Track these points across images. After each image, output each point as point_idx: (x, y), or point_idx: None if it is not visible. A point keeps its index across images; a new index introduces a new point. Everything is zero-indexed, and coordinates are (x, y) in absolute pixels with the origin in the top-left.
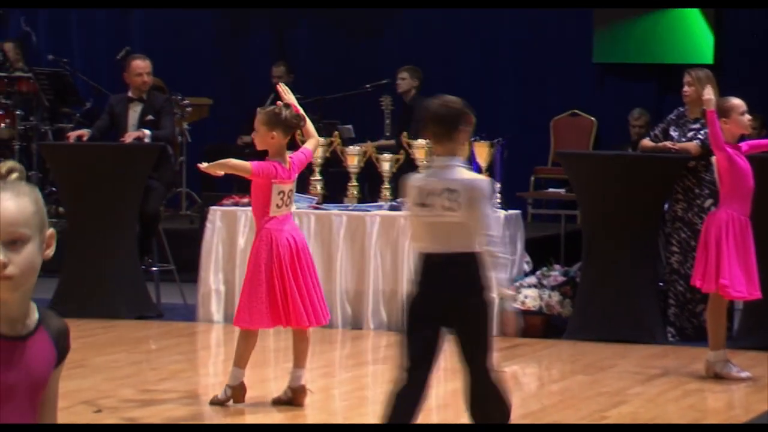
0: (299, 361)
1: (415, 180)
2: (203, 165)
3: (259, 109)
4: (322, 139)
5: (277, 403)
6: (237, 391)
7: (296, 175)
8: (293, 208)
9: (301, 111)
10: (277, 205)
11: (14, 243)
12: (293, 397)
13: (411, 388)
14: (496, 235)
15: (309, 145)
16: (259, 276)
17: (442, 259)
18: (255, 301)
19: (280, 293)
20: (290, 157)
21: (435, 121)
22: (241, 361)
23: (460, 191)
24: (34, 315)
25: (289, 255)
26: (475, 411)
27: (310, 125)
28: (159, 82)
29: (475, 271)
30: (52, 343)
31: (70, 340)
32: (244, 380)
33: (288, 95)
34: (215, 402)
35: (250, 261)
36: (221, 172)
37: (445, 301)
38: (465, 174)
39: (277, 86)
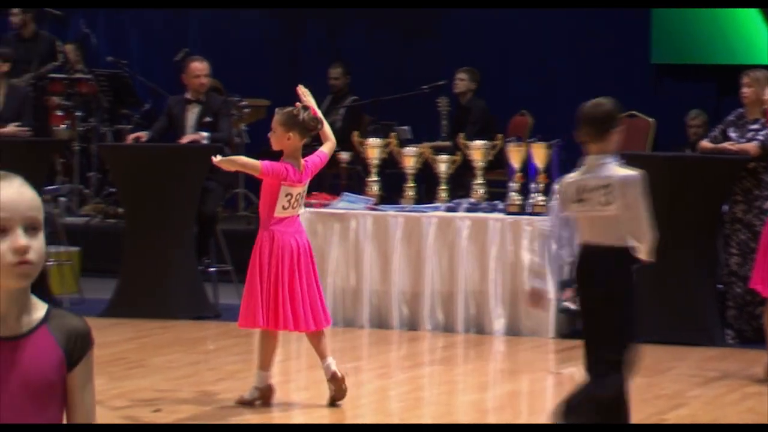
0: (322, 354)
1: (570, 178)
2: (216, 158)
3: (277, 110)
4: (379, 140)
5: (242, 403)
6: (263, 393)
7: (308, 178)
8: (301, 210)
9: (320, 114)
10: (283, 207)
11: (34, 229)
12: (335, 389)
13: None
14: (650, 226)
15: (325, 148)
16: (256, 276)
17: (599, 250)
18: (251, 301)
19: (273, 295)
20: (305, 161)
21: (589, 123)
22: (263, 363)
23: (614, 186)
24: (36, 314)
25: (289, 258)
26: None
27: (327, 129)
28: (217, 84)
29: (623, 263)
30: (57, 344)
31: (89, 340)
32: (271, 382)
33: (307, 97)
34: (242, 402)
35: (251, 260)
36: (232, 168)
37: (593, 289)
38: (619, 170)
39: (297, 88)
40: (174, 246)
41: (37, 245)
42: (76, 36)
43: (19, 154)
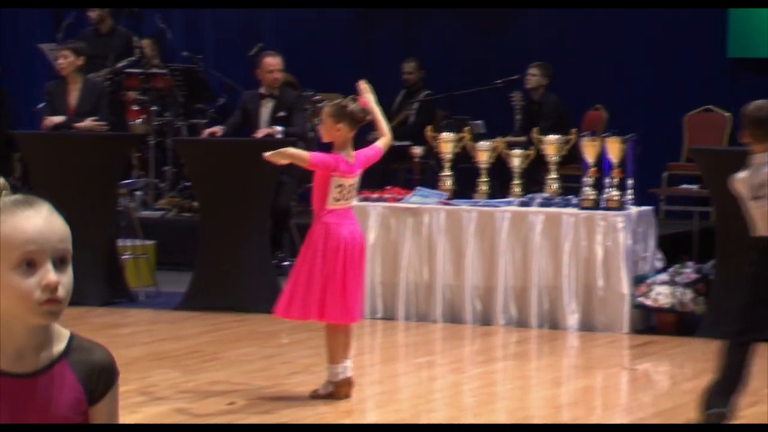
0: (345, 354)
1: (741, 177)
2: (267, 153)
3: (326, 101)
4: (452, 135)
5: (315, 397)
6: (338, 387)
7: (359, 170)
8: (353, 202)
9: (374, 107)
10: (335, 198)
11: (63, 262)
12: (335, 391)
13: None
14: None
15: (380, 143)
16: (305, 267)
17: None
18: (294, 291)
19: (325, 286)
20: (356, 153)
21: (753, 124)
22: (333, 357)
23: None
24: (57, 346)
25: (343, 249)
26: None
27: (383, 123)
28: (291, 79)
29: None
30: (77, 380)
31: (113, 374)
32: (348, 375)
33: (367, 94)
34: (315, 396)
35: (301, 251)
36: (283, 161)
37: None
38: None
39: (358, 83)
40: (248, 240)
41: (66, 280)
42: (152, 31)
43: (96, 149)
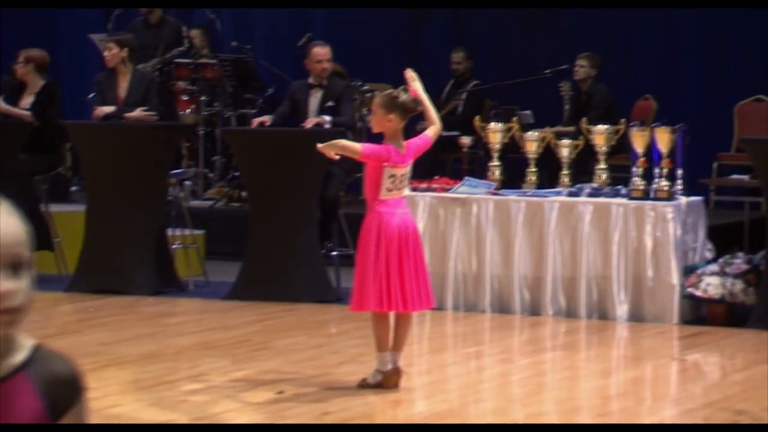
0: (397, 345)
1: None
2: (320, 145)
3: (377, 92)
4: (500, 125)
5: (364, 386)
6: (387, 377)
7: (411, 160)
8: (406, 192)
9: (423, 96)
10: (388, 189)
11: (18, 267)
12: (383, 380)
13: None
14: None
15: (430, 131)
16: (366, 258)
17: None
18: (362, 284)
19: (384, 276)
20: (407, 142)
21: None
22: (380, 345)
23: None
24: (17, 356)
25: (396, 239)
26: None
27: (432, 112)
28: (339, 69)
29: None
30: (38, 393)
31: (77, 389)
32: (398, 365)
33: (415, 82)
34: (363, 385)
35: (359, 243)
36: (333, 153)
37: None
38: None
39: (405, 72)
40: (297, 230)
41: (22, 286)
42: (201, 22)
43: (146, 139)
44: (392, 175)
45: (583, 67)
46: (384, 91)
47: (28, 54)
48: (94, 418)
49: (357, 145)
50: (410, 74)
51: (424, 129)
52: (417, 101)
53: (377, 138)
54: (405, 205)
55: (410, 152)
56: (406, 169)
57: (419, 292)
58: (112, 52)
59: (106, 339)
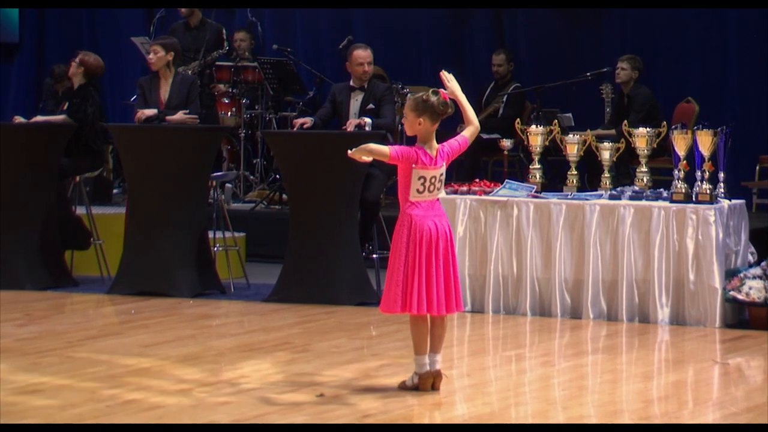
0: (434, 347)
1: None
2: (350, 151)
3: (409, 95)
4: (541, 128)
5: (403, 388)
6: (423, 379)
7: (444, 162)
8: (440, 194)
9: (461, 97)
10: (418, 191)
11: None
12: (420, 383)
13: None
14: None
15: (466, 133)
16: (397, 261)
17: None
18: (391, 286)
19: (410, 279)
20: (442, 145)
21: None
22: (417, 348)
23: None
24: None
25: (427, 241)
26: None
27: (470, 112)
28: (380, 71)
29: None
30: None
31: None
32: (436, 367)
33: (451, 83)
34: (402, 387)
35: (391, 245)
36: (366, 158)
37: None
38: None
39: (440, 73)
40: (338, 232)
41: None
42: (242, 24)
43: (187, 142)
44: (422, 177)
45: (624, 70)
46: (415, 94)
47: (84, 58)
48: (135, 420)
49: (385, 148)
50: (445, 75)
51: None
52: (447, 104)
53: (413, 140)
54: (439, 207)
55: (443, 154)
56: (437, 172)
57: (447, 296)
58: (158, 56)
59: (148, 341)
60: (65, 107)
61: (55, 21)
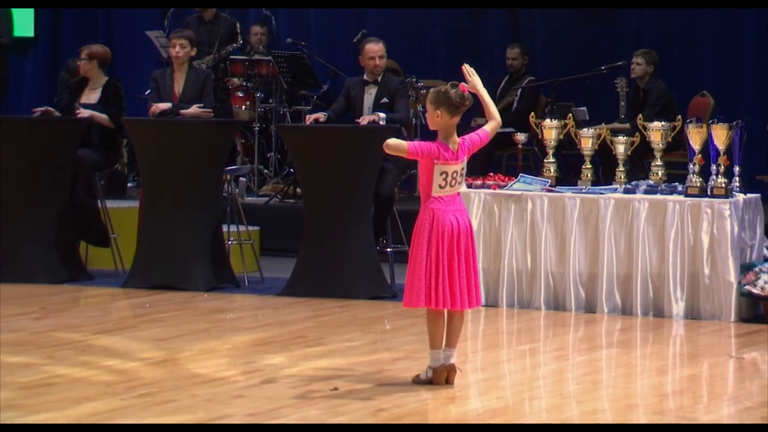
0: (450, 341)
1: None
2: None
3: (426, 89)
4: (556, 122)
5: (417, 382)
6: (437, 373)
7: (465, 156)
8: (461, 189)
9: (482, 91)
10: (440, 186)
11: None
12: (434, 377)
13: None
14: None
15: (488, 127)
16: (419, 255)
17: None
18: (413, 280)
19: (434, 274)
20: (462, 138)
21: None
22: (433, 342)
23: None
24: None
25: (448, 236)
26: None
27: (491, 107)
28: (394, 65)
29: None
30: None
31: None
32: (451, 361)
33: (473, 77)
34: (416, 381)
35: (412, 240)
36: (393, 153)
37: None
38: None
39: (462, 67)
40: (352, 226)
41: None
42: (257, 18)
43: (201, 135)
44: (443, 172)
45: (639, 65)
46: (435, 87)
47: (91, 51)
48: (150, 414)
49: (404, 143)
50: (467, 69)
51: (480, 125)
52: (465, 97)
53: (432, 134)
54: (460, 202)
55: (464, 148)
56: (458, 166)
57: (468, 291)
58: (185, 50)
59: (162, 335)
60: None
61: (70, 15)
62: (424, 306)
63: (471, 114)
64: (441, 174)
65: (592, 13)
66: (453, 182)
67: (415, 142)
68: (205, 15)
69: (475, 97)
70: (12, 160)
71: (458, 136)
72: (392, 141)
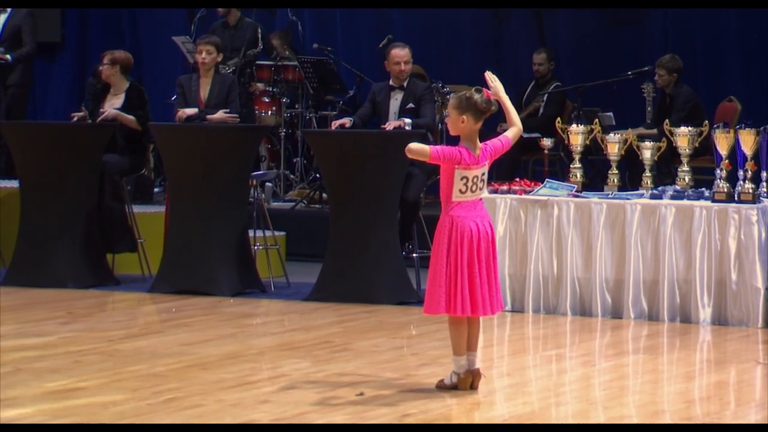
0: (471, 345)
1: None
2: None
3: (452, 94)
4: (582, 127)
5: (441, 388)
6: (461, 379)
7: (486, 161)
8: (482, 195)
9: (504, 98)
10: (461, 191)
11: None
12: (458, 382)
13: None
14: None
15: (509, 133)
16: (439, 262)
17: None
18: (434, 287)
19: (454, 280)
20: (484, 144)
21: None
22: (456, 349)
23: None
24: None
25: (468, 242)
26: None
27: (513, 113)
28: (420, 70)
29: None
30: None
31: None
32: (475, 366)
33: (494, 82)
34: (441, 386)
35: (433, 246)
36: (414, 158)
37: None
38: None
39: (485, 74)
40: (378, 231)
41: None
42: (283, 24)
43: (228, 141)
44: (464, 177)
45: (662, 76)
46: (459, 93)
47: (113, 56)
48: (176, 419)
49: (426, 148)
50: (490, 75)
51: (506, 130)
52: (490, 102)
53: (455, 140)
54: (482, 207)
55: (486, 154)
56: (479, 171)
57: (490, 297)
58: (212, 56)
59: (189, 339)
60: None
61: (96, 20)
62: (444, 313)
63: (496, 119)
64: (462, 179)
65: (617, 18)
66: (474, 187)
67: (437, 147)
68: (229, 20)
69: (498, 102)
70: (39, 166)
71: (481, 141)
72: (414, 145)
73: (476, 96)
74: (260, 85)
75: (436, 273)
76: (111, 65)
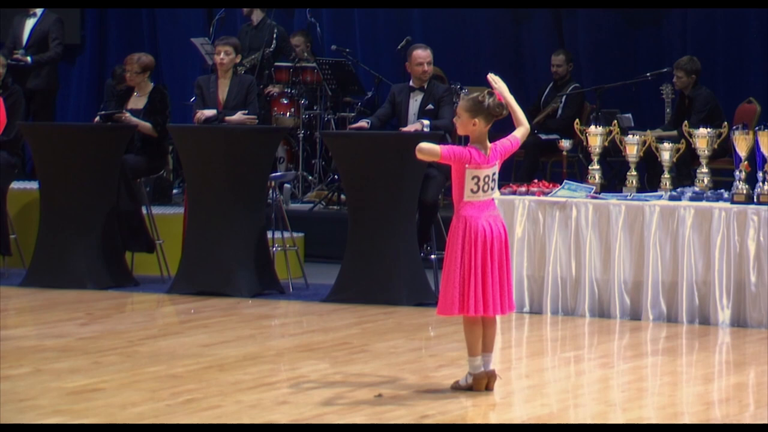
0: (486, 346)
1: None
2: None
3: (462, 96)
4: (600, 129)
5: (456, 389)
6: (476, 380)
7: (496, 160)
8: (494, 195)
9: (510, 98)
10: (472, 191)
11: None
12: (474, 383)
13: None
14: None
15: (517, 133)
16: (453, 262)
17: None
18: (447, 288)
19: (467, 280)
20: (493, 144)
21: None
22: (472, 349)
23: None
24: None
25: (481, 242)
26: None
27: (520, 114)
28: (439, 72)
29: None
30: None
31: None
32: (490, 367)
33: (498, 84)
34: (456, 387)
35: (446, 246)
36: (424, 158)
37: None
38: None
39: (488, 76)
40: (396, 233)
41: None
42: (301, 26)
43: (246, 142)
44: (475, 177)
45: (680, 78)
46: (469, 95)
47: (141, 62)
48: (195, 420)
49: (437, 147)
50: (492, 77)
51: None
52: (502, 106)
53: (466, 141)
54: (493, 207)
55: (496, 153)
56: (490, 170)
57: (501, 297)
58: (230, 57)
59: (207, 340)
60: (144, 111)
61: (115, 22)
62: (457, 314)
63: (511, 125)
64: (473, 178)
65: (636, 19)
66: (486, 187)
67: (448, 146)
68: (253, 19)
69: None
70: (58, 167)
71: (490, 142)
72: (424, 145)
73: (489, 100)
74: (276, 88)
75: (450, 274)
76: (142, 72)
